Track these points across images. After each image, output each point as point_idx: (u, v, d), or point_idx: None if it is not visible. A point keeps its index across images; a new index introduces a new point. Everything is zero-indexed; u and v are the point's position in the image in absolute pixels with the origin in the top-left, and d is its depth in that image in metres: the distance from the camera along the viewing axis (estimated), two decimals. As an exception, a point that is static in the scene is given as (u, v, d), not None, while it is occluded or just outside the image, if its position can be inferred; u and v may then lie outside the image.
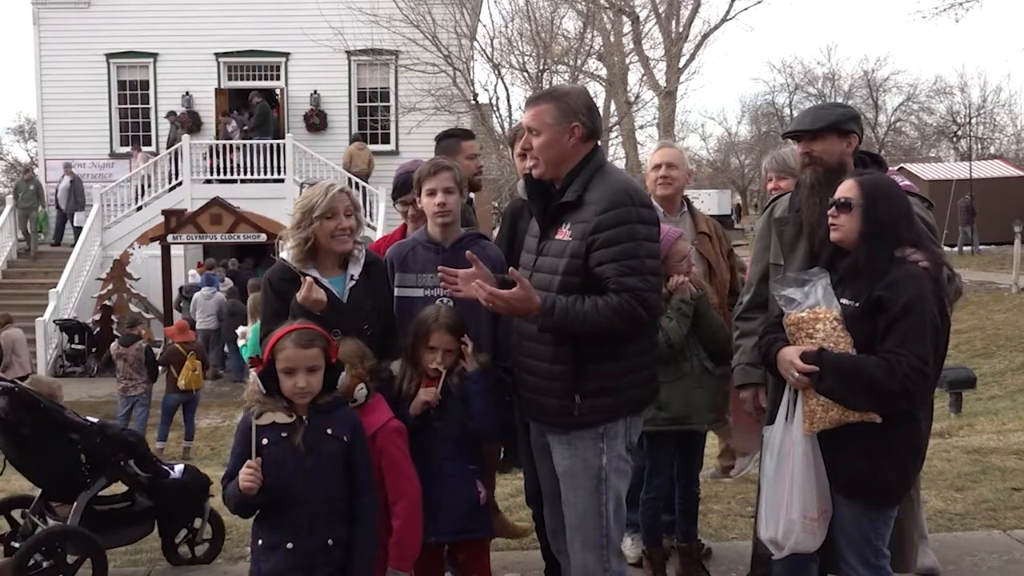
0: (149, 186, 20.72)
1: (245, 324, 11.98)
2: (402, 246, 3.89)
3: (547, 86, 21.55)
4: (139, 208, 20.42)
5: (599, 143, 3.34)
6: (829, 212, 3.12)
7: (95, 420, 4.82)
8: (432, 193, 3.70)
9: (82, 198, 21.06)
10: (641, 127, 28.53)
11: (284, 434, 3.05)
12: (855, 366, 3.00)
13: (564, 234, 3.17)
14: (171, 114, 21.85)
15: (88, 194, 21.02)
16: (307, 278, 3.43)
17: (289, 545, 3.03)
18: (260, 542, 3.11)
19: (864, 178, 3.15)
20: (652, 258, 3.16)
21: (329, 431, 3.08)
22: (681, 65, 24.93)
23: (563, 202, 3.20)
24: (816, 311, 3.08)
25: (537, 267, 3.24)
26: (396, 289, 3.75)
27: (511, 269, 3.06)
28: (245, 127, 21.23)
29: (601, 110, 27.48)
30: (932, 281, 3.07)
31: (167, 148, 21.10)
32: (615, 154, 26.45)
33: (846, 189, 3.12)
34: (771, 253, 3.57)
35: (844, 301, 3.09)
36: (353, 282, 3.59)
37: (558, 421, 3.22)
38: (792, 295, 3.12)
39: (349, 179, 18.78)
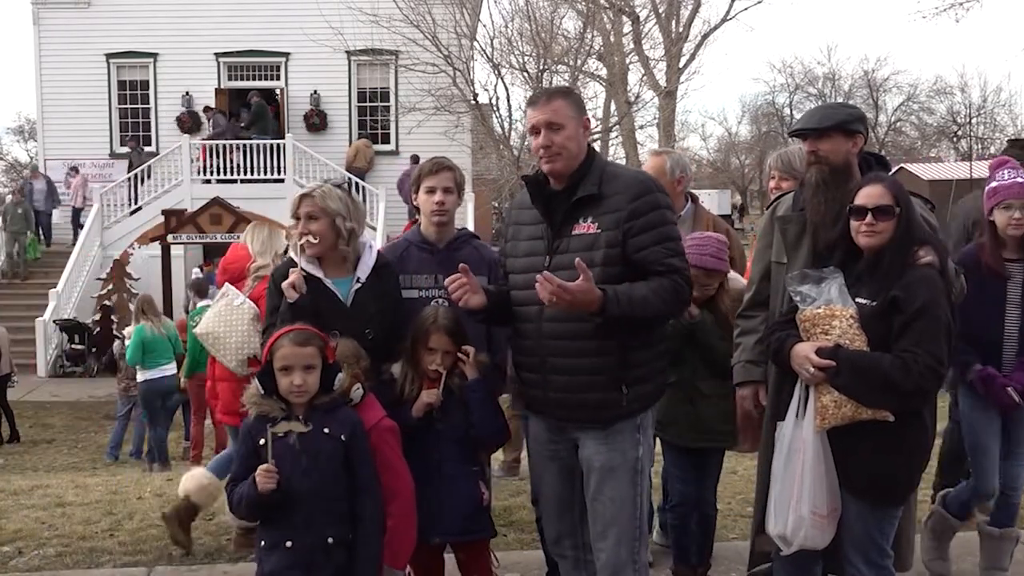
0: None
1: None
2: (395, 247, 3.90)
3: (547, 86, 21.58)
4: (80, 235, 20.03)
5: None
6: (865, 221, 3.10)
7: None
8: (431, 191, 3.71)
9: (57, 198, 21.13)
10: (641, 127, 28.59)
11: (282, 433, 3.07)
12: (871, 363, 3.01)
13: (588, 228, 3.16)
14: (132, 140, 21.69)
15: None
16: (297, 269, 3.48)
17: (288, 544, 3.06)
18: (263, 543, 3.14)
19: (890, 182, 3.16)
20: (680, 240, 3.28)
21: (327, 431, 3.10)
22: (681, 65, 24.96)
23: (580, 198, 3.18)
24: (832, 308, 3.09)
25: (555, 265, 3.17)
26: None
27: (577, 260, 3.00)
28: (242, 125, 21.24)
29: (601, 110, 27.61)
30: (943, 281, 3.10)
31: (127, 172, 21.01)
32: (615, 154, 26.51)
33: (879, 195, 3.10)
34: (774, 251, 3.58)
35: (860, 300, 3.11)
36: (359, 284, 3.60)
37: (601, 416, 3.21)
38: (808, 292, 3.13)
39: (349, 179, 18.78)
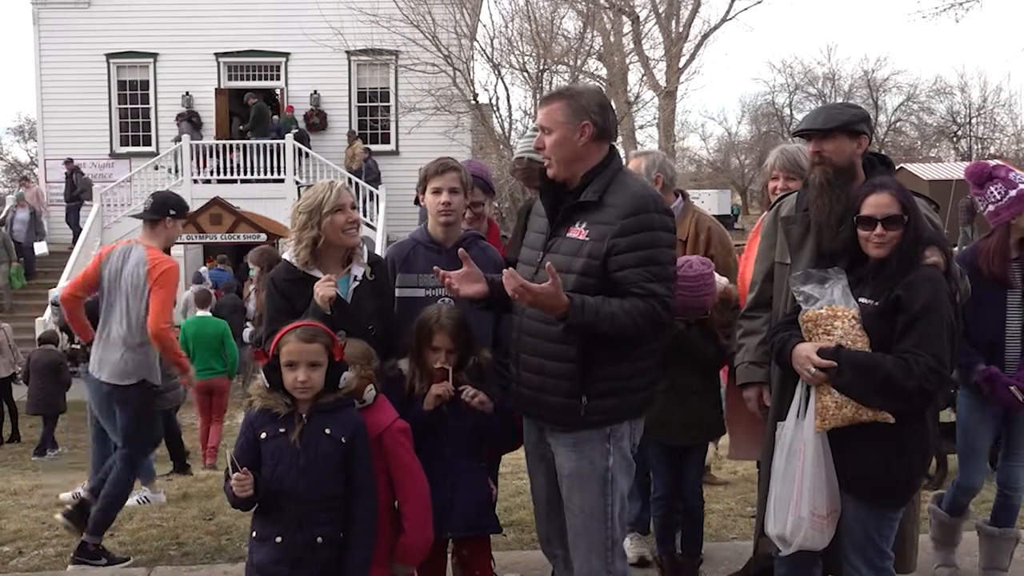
0: (46, 216, 20.73)
1: (246, 321, 11.92)
2: (402, 246, 3.91)
3: (547, 86, 21.59)
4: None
5: (614, 145, 3.27)
6: (875, 232, 3.10)
7: None
8: (437, 192, 3.73)
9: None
10: (641, 127, 28.56)
11: (282, 430, 3.08)
12: (873, 363, 3.01)
13: (579, 233, 3.14)
14: (68, 161, 21.27)
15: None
16: (332, 283, 3.47)
17: (278, 539, 3.07)
18: (254, 534, 3.16)
19: (896, 189, 3.16)
20: (672, 264, 3.17)
21: (328, 431, 3.09)
22: (681, 65, 24.93)
23: (580, 202, 3.16)
24: (835, 308, 3.09)
25: (544, 264, 3.14)
26: (397, 289, 3.77)
27: (547, 264, 2.99)
28: (242, 129, 21.23)
29: (601, 110, 27.55)
30: (947, 281, 3.11)
31: (66, 195, 20.86)
32: (615, 154, 26.42)
33: (887, 204, 3.10)
34: (777, 251, 3.58)
35: (863, 300, 3.11)
36: (357, 283, 3.63)
37: (562, 420, 3.19)
38: (811, 292, 3.13)
39: (349, 179, 18.80)
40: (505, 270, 3.02)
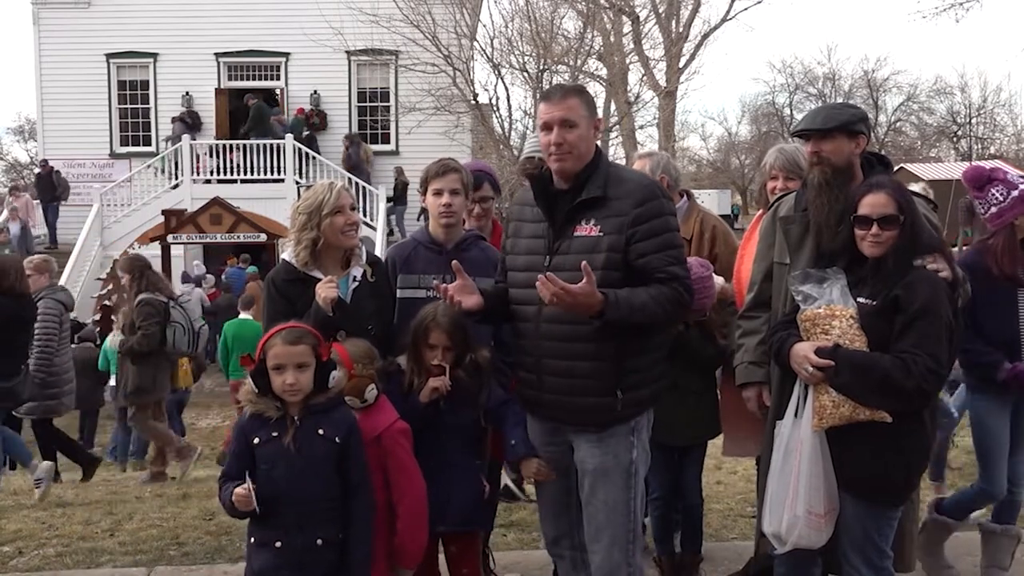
0: (35, 226, 20.68)
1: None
2: (403, 247, 3.92)
3: (547, 86, 21.57)
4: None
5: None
6: (871, 232, 3.11)
7: None
8: (438, 193, 3.74)
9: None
10: (641, 127, 28.57)
11: (275, 433, 3.07)
12: (871, 363, 3.02)
13: (589, 230, 3.16)
14: (43, 163, 21.26)
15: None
16: (334, 286, 3.48)
17: (278, 544, 3.05)
18: (252, 540, 3.14)
19: (894, 189, 3.17)
20: (683, 247, 3.28)
21: (321, 432, 3.09)
22: (681, 65, 24.93)
23: (583, 200, 3.18)
24: (833, 308, 3.10)
25: (554, 266, 3.17)
26: (399, 290, 3.77)
27: (583, 263, 2.99)
28: (241, 131, 21.23)
29: (601, 110, 27.60)
30: (948, 283, 3.11)
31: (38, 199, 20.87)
32: (615, 154, 26.48)
33: (883, 204, 3.11)
34: (776, 251, 3.58)
35: (861, 300, 3.12)
36: (356, 283, 3.63)
37: (594, 419, 3.21)
38: (810, 291, 3.15)
39: (349, 179, 18.81)
40: (541, 276, 3.01)
